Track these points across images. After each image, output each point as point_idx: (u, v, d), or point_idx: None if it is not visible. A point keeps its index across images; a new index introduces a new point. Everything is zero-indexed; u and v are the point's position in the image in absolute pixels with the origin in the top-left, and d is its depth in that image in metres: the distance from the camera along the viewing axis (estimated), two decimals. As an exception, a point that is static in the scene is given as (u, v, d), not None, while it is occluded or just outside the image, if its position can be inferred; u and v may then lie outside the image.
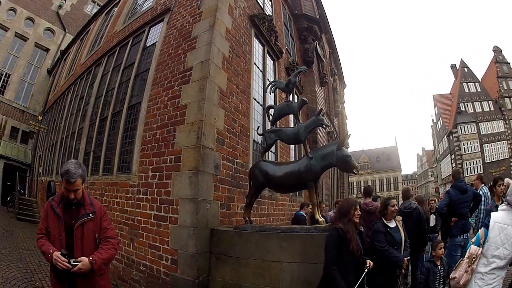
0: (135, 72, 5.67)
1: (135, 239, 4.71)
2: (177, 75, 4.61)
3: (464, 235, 4.24)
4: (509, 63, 32.72)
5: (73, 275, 2.07)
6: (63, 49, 14.63)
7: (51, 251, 2.06)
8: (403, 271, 3.20)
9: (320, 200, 8.34)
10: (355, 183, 50.83)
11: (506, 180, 4.30)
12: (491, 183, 4.48)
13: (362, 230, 2.82)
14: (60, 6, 17.57)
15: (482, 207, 4.64)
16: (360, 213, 2.69)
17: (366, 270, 2.56)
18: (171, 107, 4.46)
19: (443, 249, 3.61)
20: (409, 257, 3.33)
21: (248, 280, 3.53)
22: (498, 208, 2.34)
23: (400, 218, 3.47)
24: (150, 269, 4.29)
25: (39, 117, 13.59)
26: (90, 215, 2.24)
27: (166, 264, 4.08)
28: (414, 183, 62.33)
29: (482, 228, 2.27)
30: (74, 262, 2.05)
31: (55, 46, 16.82)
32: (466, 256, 2.27)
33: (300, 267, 3.27)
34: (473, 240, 2.30)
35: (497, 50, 33.51)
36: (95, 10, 13.97)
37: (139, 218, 4.73)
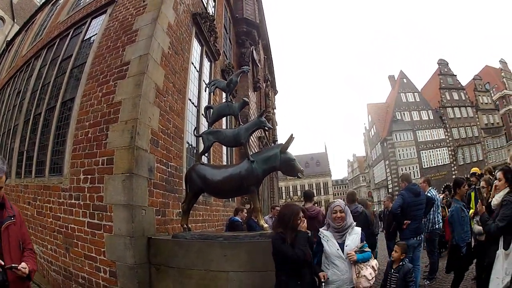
0: (71, 66, 4.76)
1: (71, 249, 3.94)
2: (113, 70, 3.89)
3: (418, 237, 4.04)
4: (455, 75, 34.20)
5: (5, 284, 1.76)
6: (9, 40, 12.52)
7: None
8: None
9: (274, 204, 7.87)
10: (283, 188, 49.14)
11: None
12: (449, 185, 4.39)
13: (310, 234, 2.54)
14: (14, -6, 15.15)
15: (432, 208, 4.53)
16: (303, 219, 2.44)
17: (323, 284, 2.28)
18: (104, 104, 3.73)
19: (396, 252, 3.34)
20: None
21: (194, 292, 3.02)
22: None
23: None
24: (89, 282, 3.60)
25: (-20, 113, 11.43)
26: (12, 218, 1.94)
27: (105, 276, 3.45)
28: (345, 188, 62.25)
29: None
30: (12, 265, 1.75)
31: (3, 36, 14.44)
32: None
33: (248, 275, 2.87)
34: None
35: (442, 63, 34.73)
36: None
37: (72, 225, 3.95)
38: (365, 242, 2.51)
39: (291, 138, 2.94)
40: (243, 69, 3.45)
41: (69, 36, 5.47)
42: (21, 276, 1.78)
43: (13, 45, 10.65)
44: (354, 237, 2.46)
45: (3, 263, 1.72)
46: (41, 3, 11.61)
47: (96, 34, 4.71)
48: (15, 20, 14.49)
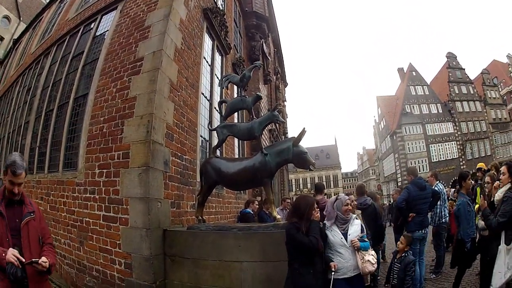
0: (83, 62, 4.78)
1: (85, 242, 3.99)
2: (127, 65, 3.91)
3: (423, 230, 4.05)
4: (464, 68, 33.05)
5: (24, 280, 1.77)
6: (16, 38, 12.51)
7: (3, 250, 1.74)
8: None
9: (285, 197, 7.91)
10: (293, 181, 47.84)
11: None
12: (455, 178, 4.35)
13: (321, 225, 2.63)
14: (19, -7, 15.07)
15: (439, 202, 4.53)
16: (317, 210, 2.55)
17: (332, 274, 2.35)
18: (119, 99, 3.76)
19: (401, 244, 3.40)
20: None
21: (208, 282, 3.11)
22: None
23: (359, 211, 3.27)
24: (103, 274, 3.66)
25: (-13, 111, 11.45)
26: (32, 214, 1.99)
27: (120, 268, 3.50)
28: (355, 180, 61.35)
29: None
30: (33, 260, 1.79)
31: (9, 35, 14.42)
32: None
33: (261, 265, 2.94)
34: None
35: (450, 56, 33.52)
36: (50, -1, 12.07)
37: (87, 219, 3.99)
38: (364, 233, 2.70)
39: (303, 132, 2.98)
40: (256, 64, 3.48)
41: (80, 33, 5.48)
42: (41, 270, 1.81)
43: (21, 43, 10.65)
44: (356, 227, 2.64)
45: (24, 260, 1.75)
46: (47, 1, 11.56)
47: (108, 30, 4.72)
48: (21, 19, 14.44)
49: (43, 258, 1.84)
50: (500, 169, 3.02)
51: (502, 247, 2.56)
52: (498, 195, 2.76)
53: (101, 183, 3.80)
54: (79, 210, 4.10)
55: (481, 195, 3.36)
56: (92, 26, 5.25)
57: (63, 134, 4.62)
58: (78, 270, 4.00)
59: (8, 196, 1.92)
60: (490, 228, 2.77)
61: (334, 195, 3.26)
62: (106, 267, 3.62)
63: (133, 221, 3.43)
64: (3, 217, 1.86)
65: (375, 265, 2.52)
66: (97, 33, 4.96)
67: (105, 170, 3.76)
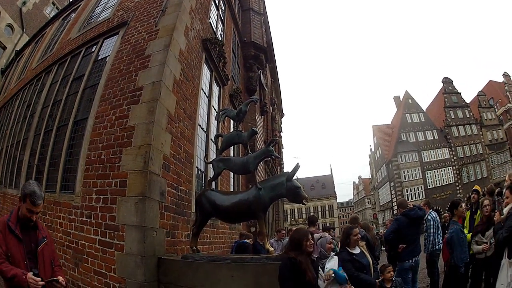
0: (83, 86, 4.69)
1: (80, 264, 3.88)
2: (126, 94, 3.85)
3: (414, 258, 3.92)
4: (459, 93, 32.06)
5: None
6: (18, 49, 12.29)
7: (23, 272, 1.78)
8: None
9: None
10: (288, 211, 46.52)
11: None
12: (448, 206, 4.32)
13: (315, 259, 2.63)
14: (24, 3, 14.83)
15: (432, 230, 4.41)
16: (312, 242, 2.48)
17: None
18: (118, 127, 3.69)
19: (391, 272, 3.37)
20: (380, 279, 3.16)
21: (201, 310, 3.02)
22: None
23: (364, 243, 3.25)
24: (97, 296, 3.52)
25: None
26: (45, 239, 2.04)
27: (114, 292, 3.36)
28: (351, 210, 60.13)
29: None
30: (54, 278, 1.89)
31: (12, 44, 14.15)
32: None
33: (254, 296, 2.86)
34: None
35: (446, 81, 32.56)
36: (53, 13, 11.96)
37: (83, 242, 3.89)
38: (341, 268, 2.81)
39: (296, 167, 2.97)
40: (252, 99, 3.46)
41: (81, 55, 5.40)
42: None
43: (23, 56, 10.47)
44: (333, 262, 2.77)
45: (42, 282, 1.80)
46: (51, 15, 11.43)
47: (109, 56, 4.66)
48: (24, 30, 14.15)
49: (60, 277, 1.91)
50: (504, 193, 3.08)
51: (505, 261, 2.60)
52: (504, 213, 2.82)
53: (98, 208, 3.71)
54: (75, 232, 4.00)
55: (497, 211, 3.25)
56: (93, 49, 5.18)
57: (62, 156, 4.50)
58: (72, 290, 3.90)
59: (23, 220, 1.94)
60: (497, 243, 2.82)
61: (330, 225, 3.31)
62: (100, 290, 3.50)
63: (128, 248, 3.36)
64: (21, 241, 1.90)
65: None
66: (99, 57, 4.89)
67: (102, 196, 3.68)
